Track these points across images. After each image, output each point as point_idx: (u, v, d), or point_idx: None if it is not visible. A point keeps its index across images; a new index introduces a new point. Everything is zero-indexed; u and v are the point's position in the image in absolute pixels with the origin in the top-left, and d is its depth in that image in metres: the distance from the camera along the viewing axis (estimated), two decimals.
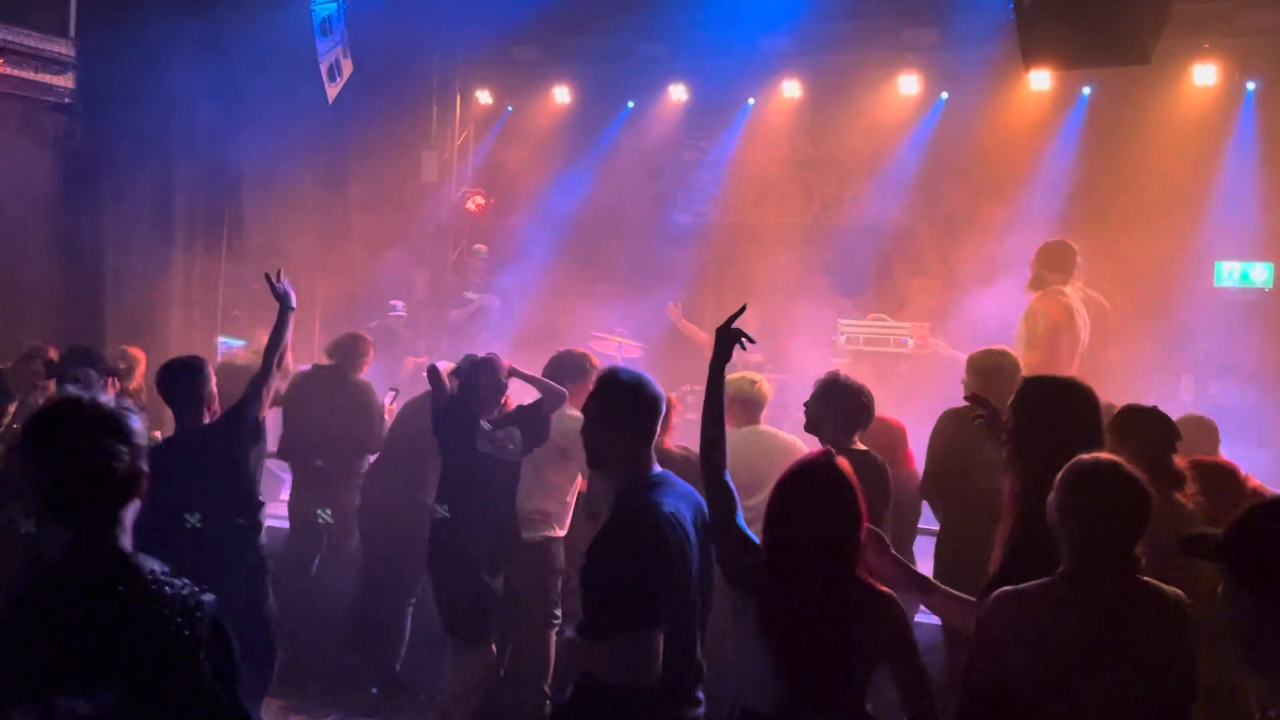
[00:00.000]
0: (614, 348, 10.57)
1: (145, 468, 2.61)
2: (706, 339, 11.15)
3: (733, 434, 5.84)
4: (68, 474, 2.53)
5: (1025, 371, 7.90)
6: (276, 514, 8.91)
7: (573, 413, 6.31)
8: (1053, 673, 3.01)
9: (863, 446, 5.31)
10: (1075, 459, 3.21)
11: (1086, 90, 11.11)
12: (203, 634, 2.48)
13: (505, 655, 6.32)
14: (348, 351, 7.78)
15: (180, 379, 5.42)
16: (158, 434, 8.30)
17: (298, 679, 6.74)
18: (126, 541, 2.57)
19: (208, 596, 2.53)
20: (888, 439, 5.88)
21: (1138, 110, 10.63)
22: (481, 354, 6.37)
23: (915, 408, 7.60)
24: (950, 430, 5.67)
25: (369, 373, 7.89)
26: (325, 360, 7.94)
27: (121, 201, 10.16)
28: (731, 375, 6.62)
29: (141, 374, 8.34)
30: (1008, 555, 3.62)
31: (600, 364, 6.60)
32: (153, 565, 2.54)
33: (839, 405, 5.35)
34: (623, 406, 3.60)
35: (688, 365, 10.80)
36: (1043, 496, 3.26)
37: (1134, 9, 6.14)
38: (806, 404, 5.41)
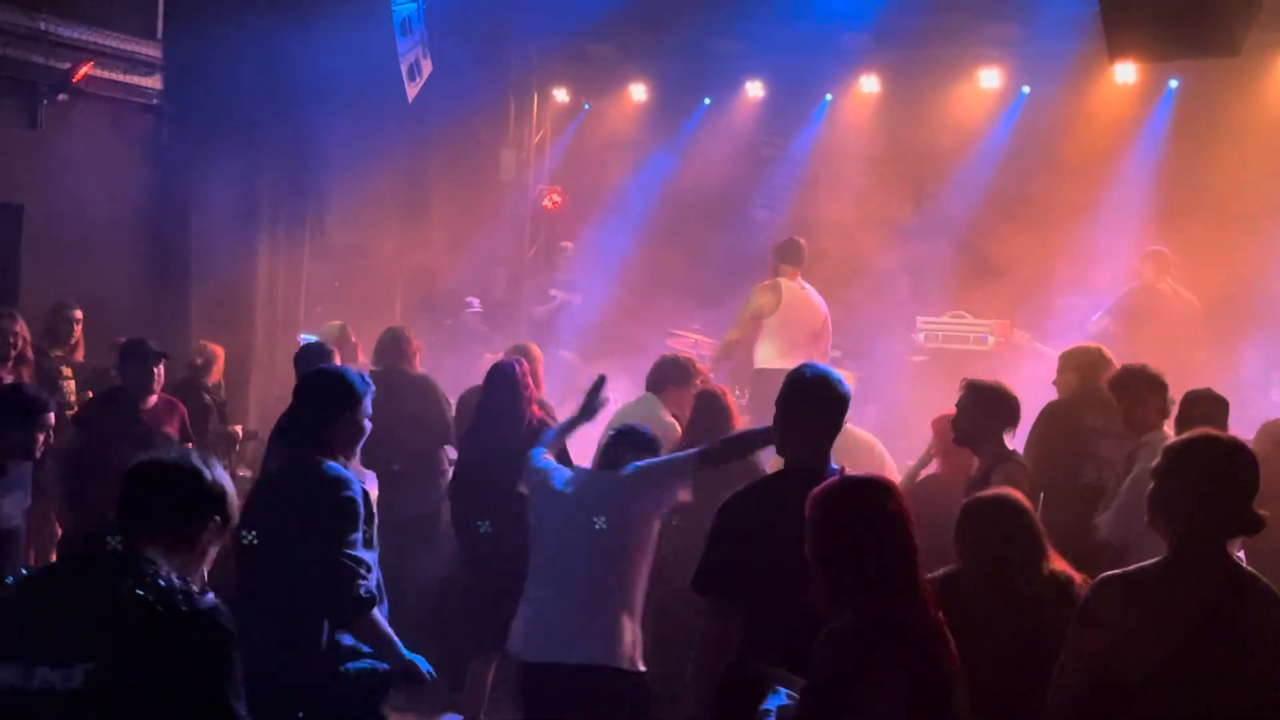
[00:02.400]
0: (690, 345, 10.55)
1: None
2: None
3: None
4: None
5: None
6: None
7: (667, 419, 6.34)
8: (1159, 656, 2.96)
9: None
10: (1176, 439, 3.21)
11: (1174, 83, 10.87)
12: (193, 629, 2.59)
13: None
14: (387, 349, 7.39)
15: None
16: (238, 428, 8.46)
17: None
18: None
19: (208, 598, 2.65)
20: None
21: (1227, 103, 10.37)
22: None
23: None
24: (1056, 424, 5.61)
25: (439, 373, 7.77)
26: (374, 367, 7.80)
27: (207, 200, 10.36)
28: None
29: (220, 369, 8.47)
30: None
31: (704, 370, 6.60)
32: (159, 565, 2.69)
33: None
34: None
35: None
36: None
37: None
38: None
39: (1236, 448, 3.11)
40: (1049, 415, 5.76)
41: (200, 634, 2.59)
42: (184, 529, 2.78)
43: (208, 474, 2.82)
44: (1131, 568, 3.14)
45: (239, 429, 8.47)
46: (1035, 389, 6.14)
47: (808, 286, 9.28)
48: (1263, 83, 10.34)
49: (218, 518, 2.84)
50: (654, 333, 10.58)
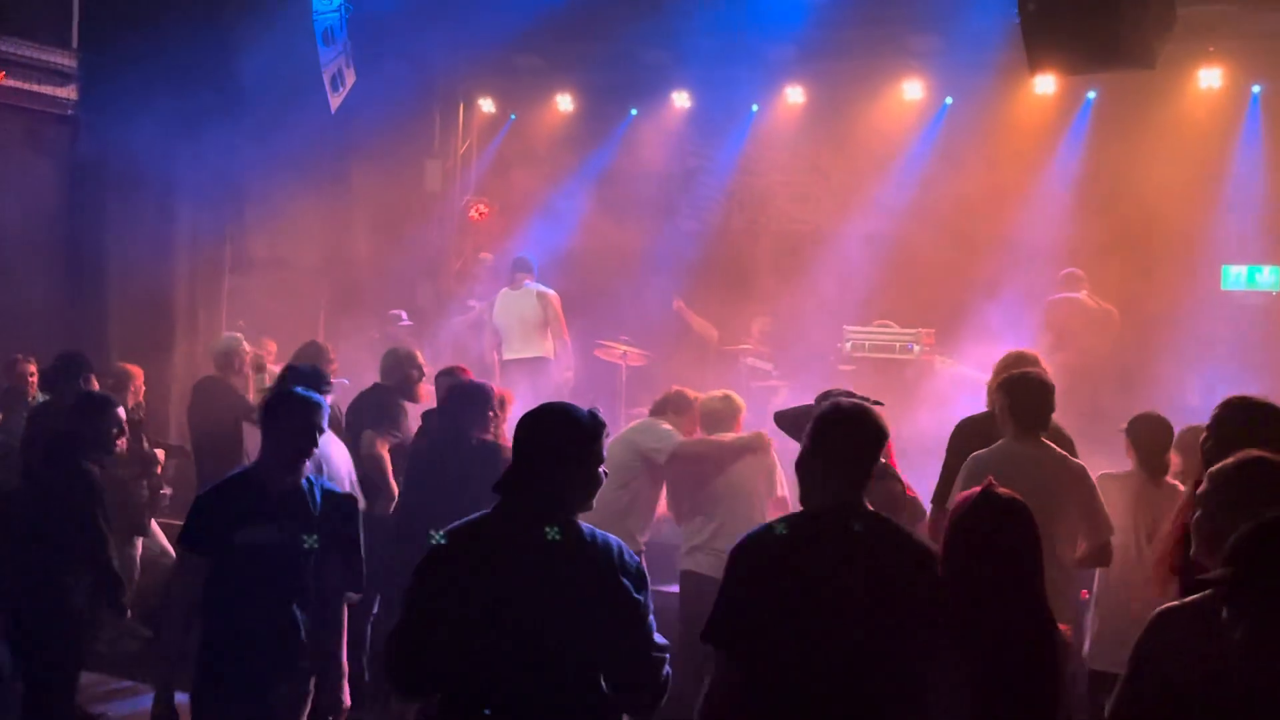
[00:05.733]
0: (618, 356, 10.54)
1: None
2: (713, 332, 11.28)
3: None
4: None
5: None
6: None
7: (667, 428, 6.68)
8: (1221, 689, 2.85)
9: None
10: (1225, 463, 3.19)
11: (1091, 94, 11.07)
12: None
13: None
14: (306, 358, 7.52)
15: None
16: (160, 451, 8.29)
17: None
18: None
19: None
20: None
21: (1143, 114, 10.58)
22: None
23: (922, 415, 7.58)
24: (961, 438, 5.63)
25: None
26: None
27: (125, 213, 10.16)
28: (705, 394, 6.91)
29: (135, 389, 8.30)
30: None
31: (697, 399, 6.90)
32: None
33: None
34: None
35: (691, 371, 10.77)
36: None
37: (1139, 13, 6.11)
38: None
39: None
40: (959, 430, 5.78)
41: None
42: None
43: None
44: (1190, 599, 3.07)
45: (161, 452, 8.29)
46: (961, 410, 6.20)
47: (533, 288, 10.44)
48: (1178, 94, 10.56)
49: None
50: (582, 343, 10.54)
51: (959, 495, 3.40)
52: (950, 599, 3.24)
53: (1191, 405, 8.80)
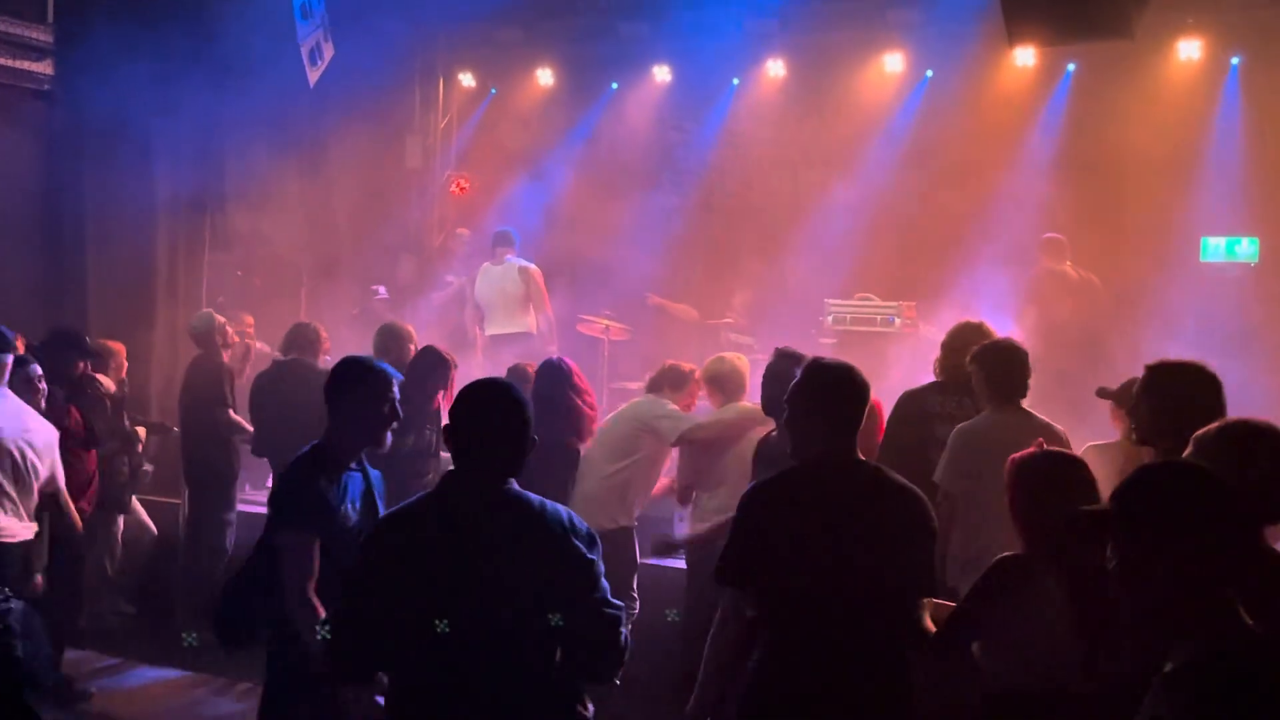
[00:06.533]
0: (600, 331, 10.54)
1: None
2: (694, 314, 11.30)
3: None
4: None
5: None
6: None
7: (674, 407, 6.68)
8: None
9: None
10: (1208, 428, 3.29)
11: (1071, 66, 11.09)
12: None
13: None
14: (299, 341, 7.75)
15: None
16: (141, 430, 8.29)
17: None
18: None
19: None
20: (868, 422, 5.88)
21: (1122, 86, 10.60)
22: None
23: (902, 387, 7.61)
24: (900, 410, 5.68)
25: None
26: (280, 356, 7.96)
27: (103, 188, 10.08)
28: (712, 357, 6.95)
29: (117, 366, 8.27)
30: None
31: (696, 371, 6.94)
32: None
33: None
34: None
35: (673, 346, 10.81)
36: None
37: None
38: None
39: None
40: (898, 402, 5.82)
41: None
42: None
43: None
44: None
45: (142, 430, 8.29)
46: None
47: (514, 263, 10.42)
48: (1157, 67, 10.59)
49: None
50: (564, 318, 10.55)
51: (1015, 456, 3.70)
52: (1030, 539, 3.57)
53: None
